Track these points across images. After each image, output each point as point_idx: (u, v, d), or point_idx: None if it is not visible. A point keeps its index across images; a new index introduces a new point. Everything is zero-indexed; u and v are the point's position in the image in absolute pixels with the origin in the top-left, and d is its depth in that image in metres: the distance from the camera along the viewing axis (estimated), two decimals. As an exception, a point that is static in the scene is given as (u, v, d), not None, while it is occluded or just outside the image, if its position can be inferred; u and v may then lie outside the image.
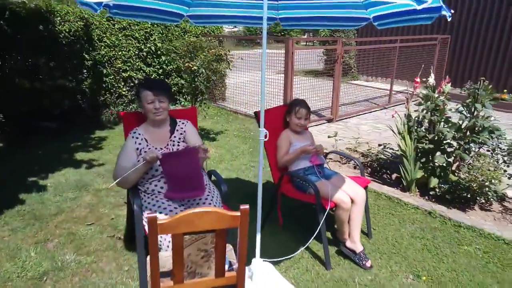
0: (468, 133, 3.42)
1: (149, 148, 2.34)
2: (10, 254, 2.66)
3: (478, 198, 3.45)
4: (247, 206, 1.42)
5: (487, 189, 3.26)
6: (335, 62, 6.33)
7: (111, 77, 6.06)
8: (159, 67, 6.77)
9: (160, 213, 2.11)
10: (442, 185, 3.55)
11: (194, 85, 4.58)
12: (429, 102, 3.71)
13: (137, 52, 6.39)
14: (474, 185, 3.23)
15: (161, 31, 6.65)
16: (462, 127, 3.45)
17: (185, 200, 2.25)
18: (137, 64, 6.41)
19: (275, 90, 6.29)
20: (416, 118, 3.84)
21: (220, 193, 2.42)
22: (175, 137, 2.46)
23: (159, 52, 6.65)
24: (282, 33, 36.67)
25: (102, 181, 3.95)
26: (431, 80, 4.00)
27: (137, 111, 2.73)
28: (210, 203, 2.24)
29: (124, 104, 6.44)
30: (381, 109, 7.78)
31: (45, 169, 4.20)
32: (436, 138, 3.68)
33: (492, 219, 3.34)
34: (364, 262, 2.59)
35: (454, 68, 9.87)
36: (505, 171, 3.29)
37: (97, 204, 3.45)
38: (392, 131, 4.19)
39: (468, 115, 3.39)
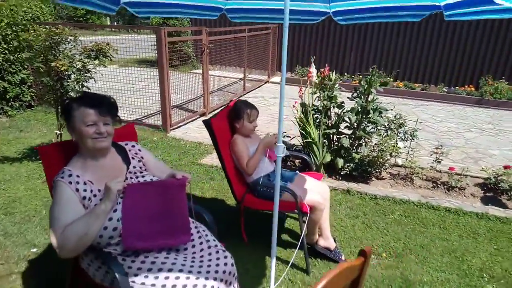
0: (363, 115, 3.86)
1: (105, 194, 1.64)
2: None
3: (376, 170, 3.98)
4: (369, 247, 1.17)
5: (388, 161, 3.81)
6: (202, 53, 6.05)
7: None
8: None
9: (166, 277, 1.53)
10: (349, 164, 3.93)
11: (61, 91, 3.48)
12: (326, 91, 4.00)
13: None
14: (381, 159, 3.72)
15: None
16: (359, 110, 3.88)
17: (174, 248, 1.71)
18: None
19: (145, 83, 5.54)
20: (316, 107, 4.09)
21: (205, 225, 1.95)
22: (134, 167, 1.81)
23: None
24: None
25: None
26: (313, 69, 4.31)
27: (55, 142, 1.88)
28: (204, 242, 1.77)
29: None
30: (239, 98, 8.00)
31: None
32: (336, 122, 4.03)
33: (389, 186, 3.94)
34: (339, 257, 2.61)
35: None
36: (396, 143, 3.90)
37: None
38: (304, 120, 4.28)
39: (363, 99, 3.82)
